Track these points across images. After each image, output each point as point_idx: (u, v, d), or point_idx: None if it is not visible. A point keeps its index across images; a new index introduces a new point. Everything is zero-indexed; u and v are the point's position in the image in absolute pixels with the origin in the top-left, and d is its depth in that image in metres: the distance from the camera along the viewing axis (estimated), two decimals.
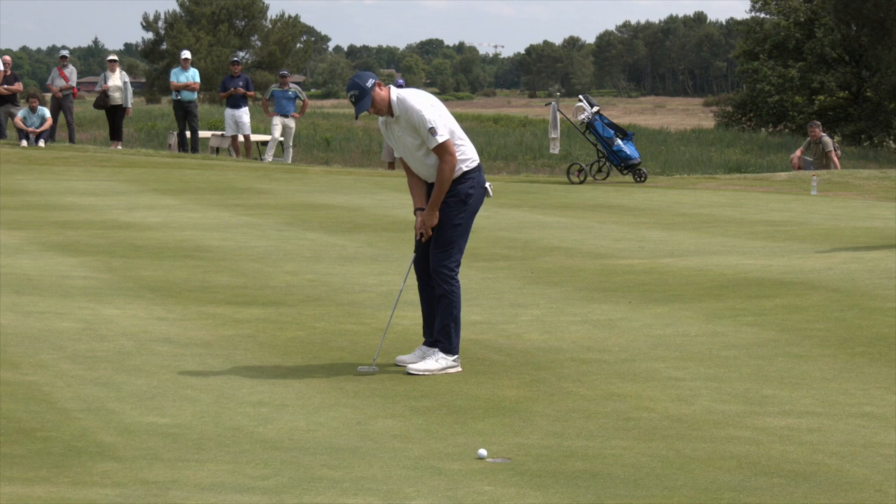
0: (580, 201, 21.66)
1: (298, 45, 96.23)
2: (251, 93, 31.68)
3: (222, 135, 33.05)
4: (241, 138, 31.56)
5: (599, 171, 26.03)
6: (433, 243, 8.40)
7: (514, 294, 11.67)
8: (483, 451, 6.35)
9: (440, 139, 8.19)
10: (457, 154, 8.30)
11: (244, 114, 31.05)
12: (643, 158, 29.16)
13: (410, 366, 8.39)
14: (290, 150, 31.15)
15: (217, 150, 33.46)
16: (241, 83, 31.02)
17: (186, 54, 32.39)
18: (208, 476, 6.06)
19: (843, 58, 64.19)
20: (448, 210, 8.33)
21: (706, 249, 14.75)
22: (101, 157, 29.71)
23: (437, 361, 8.39)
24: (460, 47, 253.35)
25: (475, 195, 8.43)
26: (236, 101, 30.95)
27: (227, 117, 31.60)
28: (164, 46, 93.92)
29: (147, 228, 16.73)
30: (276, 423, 7.07)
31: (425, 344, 8.58)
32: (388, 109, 8.26)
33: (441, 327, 8.44)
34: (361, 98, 8.17)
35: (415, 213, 8.48)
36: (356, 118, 8.44)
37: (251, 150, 31.85)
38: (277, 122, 30.46)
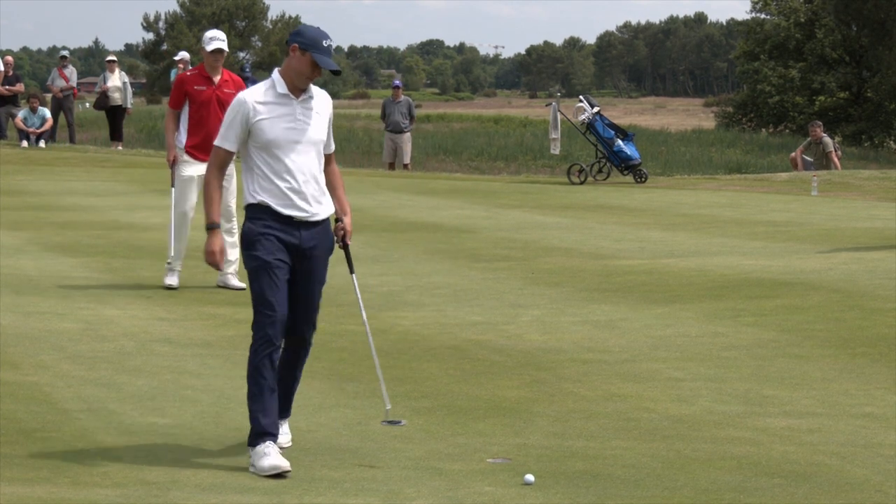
0: (581, 202, 21.66)
1: None
2: None
3: None
4: None
5: (600, 171, 26.02)
6: (305, 305, 6.60)
7: (515, 294, 11.67)
8: (530, 477, 6.03)
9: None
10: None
11: None
12: (643, 159, 29.13)
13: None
14: None
15: None
16: (250, 84, 31.06)
17: (182, 55, 32.37)
18: (209, 476, 6.06)
19: (843, 58, 64.19)
20: (322, 266, 6.67)
21: (707, 250, 14.75)
22: (102, 157, 29.72)
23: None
24: (461, 48, 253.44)
25: None
26: None
27: None
28: (164, 47, 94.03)
29: (148, 229, 16.72)
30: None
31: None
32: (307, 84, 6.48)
33: (295, 383, 6.72)
34: (331, 54, 6.48)
35: (209, 230, 6.75)
36: (321, 63, 6.36)
37: None
38: None
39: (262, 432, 6.28)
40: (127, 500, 5.65)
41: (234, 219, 12.12)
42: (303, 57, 6.37)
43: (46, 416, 7.16)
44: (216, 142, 6.54)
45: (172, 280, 12.07)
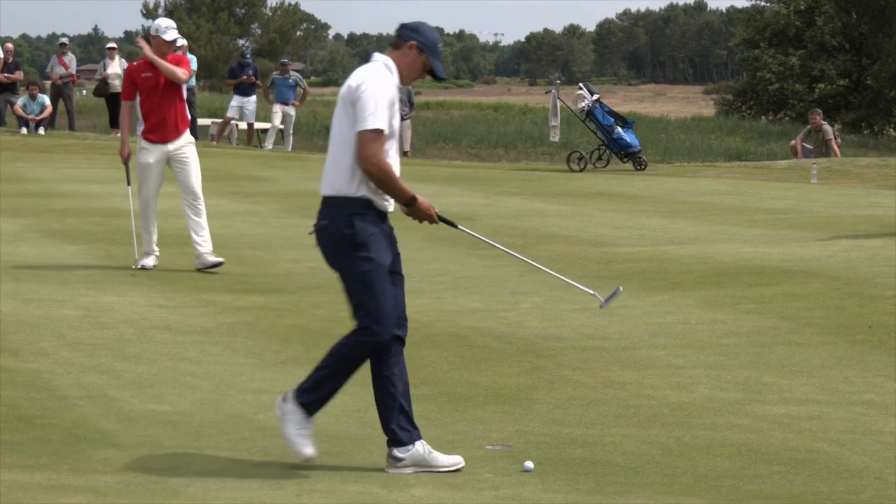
0: (580, 189, 21.64)
1: (298, 33, 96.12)
2: (258, 80, 31.64)
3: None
4: (242, 125, 31.54)
5: (599, 158, 26.01)
6: (403, 294, 6.43)
7: (514, 282, 11.67)
8: (529, 464, 6.03)
9: None
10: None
11: (251, 102, 31.02)
12: (643, 146, 29.11)
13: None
14: (290, 137, 31.11)
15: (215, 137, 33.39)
16: (250, 71, 30.98)
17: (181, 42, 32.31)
18: (208, 463, 6.07)
19: (843, 46, 64.10)
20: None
21: (706, 237, 14.75)
22: (101, 144, 29.69)
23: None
24: (460, 35, 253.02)
25: None
26: (246, 89, 30.92)
27: (233, 101, 31.41)
28: None
29: None
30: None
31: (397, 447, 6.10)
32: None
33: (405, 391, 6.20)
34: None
35: (411, 203, 6.31)
36: (436, 69, 6.22)
37: (252, 138, 31.83)
38: (277, 109, 30.44)
39: (311, 405, 6.03)
40: (126, 487, 5.65)
41: (201, 197, 12.19)
42: (419, 57, 6.10)
43: (46, 402, 7.17)
44: (373, 125, 5.93)
45: (148, 262, 12.33)
